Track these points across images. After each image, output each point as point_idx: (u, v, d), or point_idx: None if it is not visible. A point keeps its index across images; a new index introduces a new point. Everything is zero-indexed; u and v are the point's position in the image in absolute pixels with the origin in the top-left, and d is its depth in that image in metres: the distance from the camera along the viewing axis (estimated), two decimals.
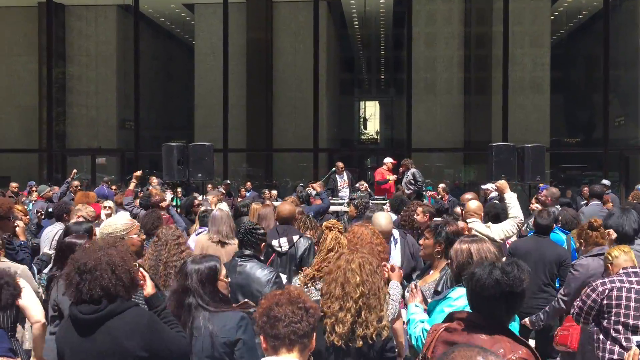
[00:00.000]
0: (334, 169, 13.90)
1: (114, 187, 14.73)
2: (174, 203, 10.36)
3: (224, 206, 6.08)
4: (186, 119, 22.52)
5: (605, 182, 13.13)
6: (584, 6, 22.66)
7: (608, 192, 11.52)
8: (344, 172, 13.19)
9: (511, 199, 5.99)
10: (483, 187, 10.35)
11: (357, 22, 26.61)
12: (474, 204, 6.18)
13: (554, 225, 6.32)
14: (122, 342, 2.61)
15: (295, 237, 5.31)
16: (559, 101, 22.24)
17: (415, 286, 3.61)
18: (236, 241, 4.99)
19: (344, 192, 12.63)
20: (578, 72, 24.71)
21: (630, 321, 4.00)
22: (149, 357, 2.66)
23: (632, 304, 3.98)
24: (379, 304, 3.07)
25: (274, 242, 5.27)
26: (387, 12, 24.68)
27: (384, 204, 9.90)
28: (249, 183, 16.54)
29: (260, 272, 4.18)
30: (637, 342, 3.90)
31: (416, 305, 3.46)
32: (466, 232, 5.18)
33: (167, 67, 26.15)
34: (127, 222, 4.54)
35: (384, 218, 5.25)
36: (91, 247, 2.79)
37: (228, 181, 16.07)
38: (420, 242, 4.30)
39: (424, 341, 3.08)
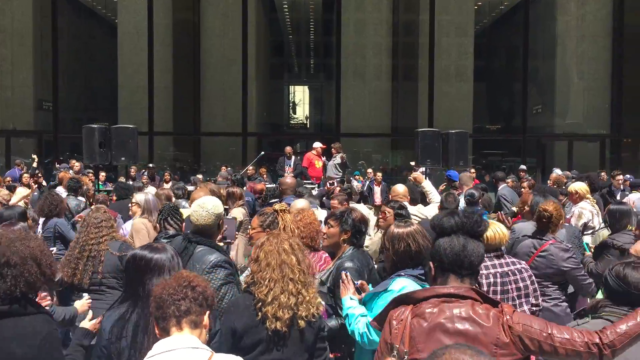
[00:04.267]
0: (262, 152, 13.88)
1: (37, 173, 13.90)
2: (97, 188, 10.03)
3: (151, 190, 5.92)
4: (109, 100, 21.66)
5: (522, 167, 13.96)
6: None
7: (526, 176, 12.17)
8: (292, 157, 13.15)
9: (429, 186, 6.70)
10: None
11: (286, 6, 26.43)
12: (401, 188, 6.30)
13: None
14: (9, 346, 2.36)
15: None
16: (481, 89, 23.01)
17: (347, 276, 3.38)
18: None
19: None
20: (499, 61, 25.65)
21: None
22: None
23: (484, 289, 3.79)
24: (313, 279, 3.05)
25: None
26: None
27: (313, 188, 9.94)
28: (166, 174, 15.36)
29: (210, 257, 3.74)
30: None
31: (351, 298, 3.27)
32: None
33: (88, 46, 25.01)
34: None
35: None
36: (3, 239, 2.50)
37: (151, 165, 15.58)
38: (324, 229, 4.00)
39: (370, 337, 2.98)
